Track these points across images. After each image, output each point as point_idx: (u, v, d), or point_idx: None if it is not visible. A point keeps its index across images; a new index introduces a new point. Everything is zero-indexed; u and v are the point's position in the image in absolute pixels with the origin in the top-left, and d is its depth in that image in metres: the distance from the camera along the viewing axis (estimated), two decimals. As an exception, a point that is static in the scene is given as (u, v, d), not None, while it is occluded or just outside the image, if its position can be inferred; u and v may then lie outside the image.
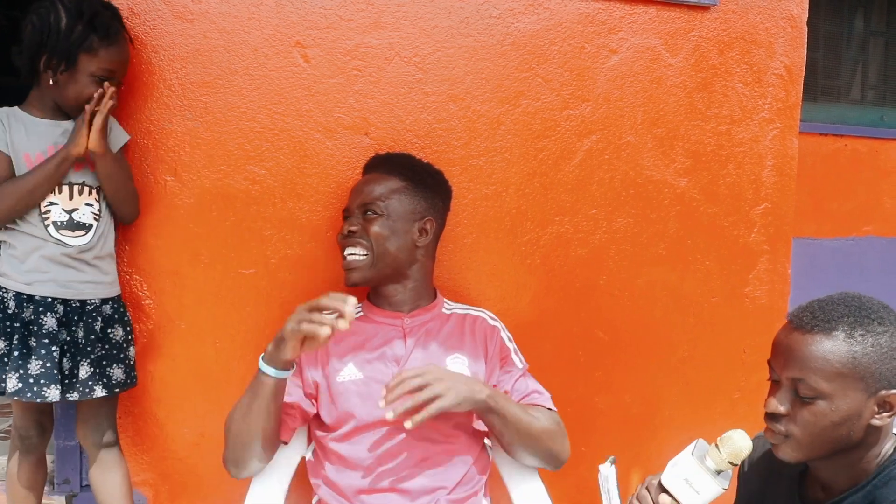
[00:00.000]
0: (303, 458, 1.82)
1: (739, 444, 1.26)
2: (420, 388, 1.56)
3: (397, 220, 1.78)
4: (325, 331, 1.45)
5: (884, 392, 1.23)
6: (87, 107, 1.74)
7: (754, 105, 2.33)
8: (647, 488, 1.32)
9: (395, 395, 1.55)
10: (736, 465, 1.27)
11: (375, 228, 1.76)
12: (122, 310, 1.92)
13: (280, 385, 1.58)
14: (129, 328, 1.93)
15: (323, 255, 2.06)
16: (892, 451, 1.29)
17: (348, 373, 1.73)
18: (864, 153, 3.69)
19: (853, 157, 3.67)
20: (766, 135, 2.35)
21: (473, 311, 1.89)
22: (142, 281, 2.01)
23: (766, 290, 2.38)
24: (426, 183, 1.86)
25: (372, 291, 1.87)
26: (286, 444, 1.72)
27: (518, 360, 1.84)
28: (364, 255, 1.77)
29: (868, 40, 3.94)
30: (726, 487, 1.28)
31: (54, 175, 1.77)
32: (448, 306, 1.89)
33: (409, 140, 2.09)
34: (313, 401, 1.75)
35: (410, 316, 1.81)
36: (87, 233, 1.83)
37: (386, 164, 1.87)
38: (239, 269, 2.03)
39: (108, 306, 1.88)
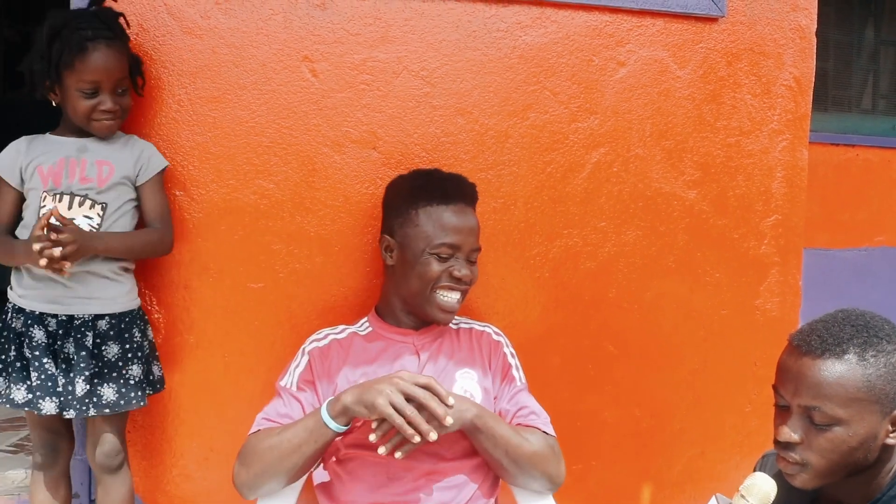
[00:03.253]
0: (309, 477, 1.81)
1: (766, 488, 1.22)
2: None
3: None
4: (416, 438, 1.50)
5: None
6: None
7: (763, 116, 2.32)
8: None
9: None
10: None
11: (476, 270, 1.81)
12: (121, 326, 1.84)
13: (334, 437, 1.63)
14: (127, 346, 1.85)
15: (332, 269, 2.06)
16: None
17: None
18: (876, 163, 3.68)
19: (865, 167, 3.66)
20: (776, 146, 2.34)
21: (478, 326, 1.89)
22: (151, 295, 2.01)
23: (777, 303, 2.37)
24: None
25: (383, 307, 1.86)
26: None
27: (518, 377, 1.83)
28: (460, 299, 1.79)
29: (879, 50, 3.94)
30: None
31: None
32: (455, 321, 1.88)
33: (418, 154, 2.09)
34: None
35: (419, 333, 1.82)
36: None
37: (470, 197, 1.86)
38: (247, 283, 2.03)
39: (103, 322, 1.82)
